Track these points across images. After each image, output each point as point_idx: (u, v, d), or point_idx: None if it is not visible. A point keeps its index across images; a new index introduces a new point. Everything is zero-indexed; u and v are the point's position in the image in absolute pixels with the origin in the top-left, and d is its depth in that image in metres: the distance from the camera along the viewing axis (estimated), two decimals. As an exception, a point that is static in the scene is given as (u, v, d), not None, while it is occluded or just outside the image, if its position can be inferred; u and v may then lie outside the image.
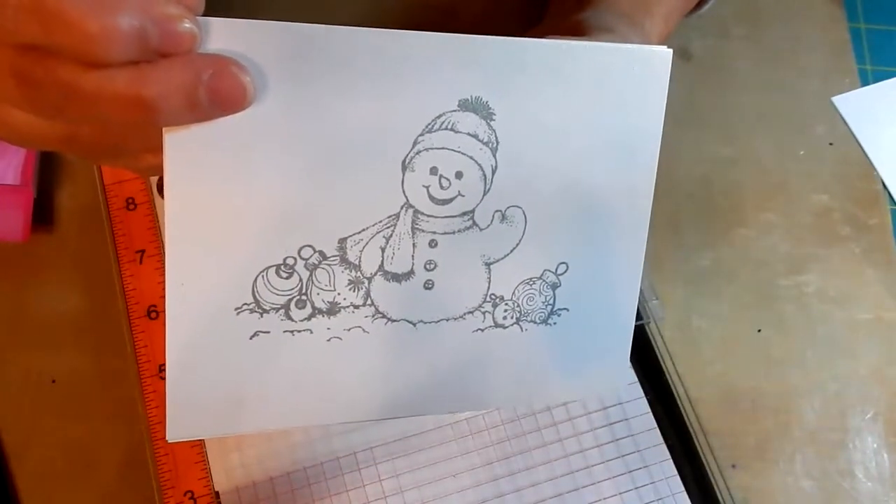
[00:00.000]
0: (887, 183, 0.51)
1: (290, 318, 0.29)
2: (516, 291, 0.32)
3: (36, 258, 0.44)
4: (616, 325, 0.34)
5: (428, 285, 0.30)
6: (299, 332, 0.29)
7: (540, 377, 0.33)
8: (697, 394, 0.44)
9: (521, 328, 0.32)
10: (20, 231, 0.43)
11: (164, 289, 0.27)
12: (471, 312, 0.31)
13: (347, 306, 0.30)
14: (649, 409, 0.43)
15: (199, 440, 0.40)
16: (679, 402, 0.43)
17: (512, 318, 0.32)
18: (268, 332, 0.29)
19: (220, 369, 0.29)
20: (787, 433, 0.44)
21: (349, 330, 0.30)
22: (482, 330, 0.32)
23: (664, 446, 0.42)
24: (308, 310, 0.29)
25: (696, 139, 0.51)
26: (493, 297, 0.31)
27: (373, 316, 0.30)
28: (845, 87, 0.54)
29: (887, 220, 0.50)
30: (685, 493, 0.41)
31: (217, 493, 0.40)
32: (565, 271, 0.32)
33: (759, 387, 0.45)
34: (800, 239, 0.49)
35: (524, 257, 0.31)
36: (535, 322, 0.32)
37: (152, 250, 0.43)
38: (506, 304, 0.32)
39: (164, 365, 0.29)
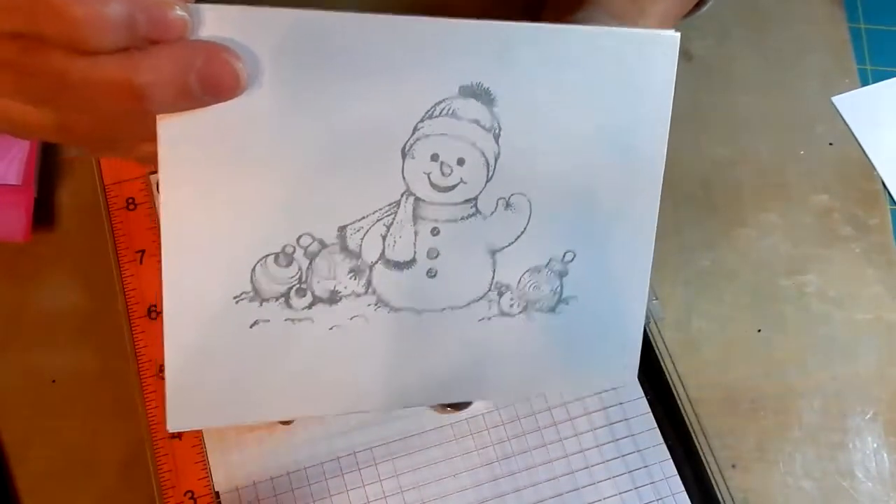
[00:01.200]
0: (887, 183, 0.51)
1: (290, 306, 0.29)
2: (522, 280, 0.31)
3: (36, 258, 0.44)
4: (627, 315, 0.33)
5: (431, 274, 0.30)
6: (300, 320, 0.29)
7: (548, 367, 0.33)
8: (697, 394, 0.44)
9: (529, 317, 0.32)
10: (21, 231, 0.43)
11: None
12: (476, 301, 0.31)
13: (349, 295, 0.29)
14: (649, 409, 0.43)
15: (199, 440, 0.40)
16: (679, 402, 0.43)
17: (519, 306, 0.31)
18: (268, 321, 0.28)
19: (220, 358, 0.28)
20: (787, 433, 0.44)
21: (351, 319, 0.29)
22: (488, 318, 0.31)
23: (664, 446, 0.42)
24: (308, 298, 0.29)
25: (697, 139, 0.51)
26: (498, 285, 0.31)
27: (375, 304, 0.30)
28: (845, 87, 0.54)
29: (887, 220, 0.50)
30: (685, 493, 0.41)
31: (217, 493, 0.40)
32: (572, 259, 0.32)
33: (759, 387, 0.45)
34: (800, 239, 0.49)
35: (529, 245, 0.31)
36: (542, 311, 0.32)
37: (152, 250, 0.43)
38: (512, 292, 0.31)
39: (164, 365, 0.28)
